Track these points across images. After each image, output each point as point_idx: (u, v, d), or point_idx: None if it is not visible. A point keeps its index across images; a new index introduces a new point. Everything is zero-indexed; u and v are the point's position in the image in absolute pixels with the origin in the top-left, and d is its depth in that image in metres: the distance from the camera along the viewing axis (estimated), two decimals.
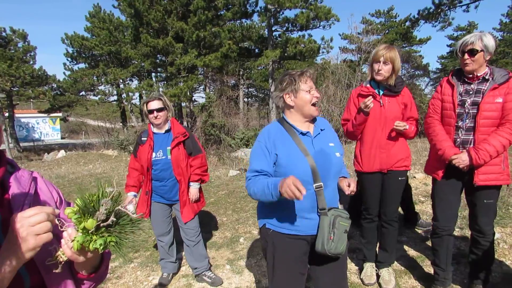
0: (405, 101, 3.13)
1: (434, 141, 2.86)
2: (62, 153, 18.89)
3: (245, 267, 4.00)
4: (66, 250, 0.99)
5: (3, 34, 22.77)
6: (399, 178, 3.19)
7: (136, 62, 21.04)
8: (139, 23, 17.12)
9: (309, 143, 2.16)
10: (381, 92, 3.12)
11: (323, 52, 19.37)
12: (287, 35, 17.96)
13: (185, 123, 21.77)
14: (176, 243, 3.91)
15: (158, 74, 22.45)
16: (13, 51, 22.93)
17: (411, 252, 3.93)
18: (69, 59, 24.34)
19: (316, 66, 25.89)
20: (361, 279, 3.46)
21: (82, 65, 24.62)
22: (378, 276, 3.39)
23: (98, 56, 23.81)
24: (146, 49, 16.58)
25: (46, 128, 35.43)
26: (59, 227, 1.00)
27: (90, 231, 0.95)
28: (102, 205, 0.96)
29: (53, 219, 0.94)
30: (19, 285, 1.01)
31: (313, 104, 2.14)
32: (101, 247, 0.96)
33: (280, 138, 2.14)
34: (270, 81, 18.39)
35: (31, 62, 23.79)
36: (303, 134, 2.17)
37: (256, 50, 19.40)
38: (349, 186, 2.10)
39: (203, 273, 3.72)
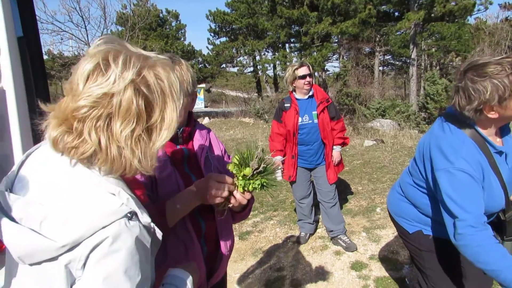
0: None
1: None
2: (206, 120, 20.95)
3: (382, 236, 3.97)
4: (232, 200, 1.30)
5: (160, 15, 25.98)
6: None
7: (271, 34, 21.67)
8: None
9: (503, 162, 1.67)
10: None
11: (478, 10, 16.71)
12: None
13: None
14: (314, 206, 4.10)
15: (292, 44, 22.74)
16: (168, 30, 26.08)
17: None
18: (212, 34, 26.49)
19: (468, 27, 22.62)
20: None
21: (223, 39, 26.57)
22: None
23: (237, 30, 25.28)
24: (281, 20, 16.90)
25: None
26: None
27: (248, 177, 1.24)
28: (255, 157, 1.23)
29: (231, 188, 1.27)
30: (198, 229, 1.43)
31: None
32: (259, 186, 1.24)
33: (482, 162, 1.60)
34: (412, 46, 16.85)
35: (182, 39, 26.73)
36: (500, 153, 1.66)
37: (396, 14, 17.87)
38: None
39: (339, 236, 3.84)
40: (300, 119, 3.59)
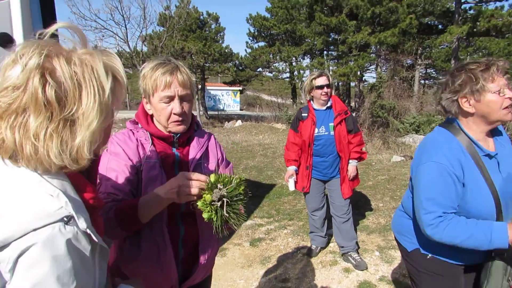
0: None
1: None
2: (239, 122, 21.11)
3: (396, 258, 3.82)
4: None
5: (201, 17, 26.49)
6: None
7: (309, 41, 21.55)
8: (314, 0, 17.35)
9: (494, 168, 1.64)
10: None
11: None
12: (482, 6, 15.27)
13: (352, 103, 21.36)
14: (327, 220, 4.01)
15: (330, 52, 22.50)
16: (207, 32, 26.52)
17: None
18: (251, 38, 26.65)
19: None
20: None
21: (261, 44, 26.70)
22: None
23: (275, 35, 25.33)
24: (320, 27, 16.76)
25: (229, 100, 40.01)
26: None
27: (206, 202, 1.21)
28: (215, 192, 1.20)
29: (203, 186, 1.23)
30: (176, 233, 1.45)
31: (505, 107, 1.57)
32: (205, 219, 1.22)
33: (464, 161, 1.61)
34: (453, 61, 16.19)
35: (220, 41, 27.08)
36: (490, 156, 1.64)
37: (439, 26, 17.21)
38: None
39: (349, 253, 3.72)
40: (316, 129, 3.53)
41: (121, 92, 0.89)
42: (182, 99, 1.40)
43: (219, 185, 1.21)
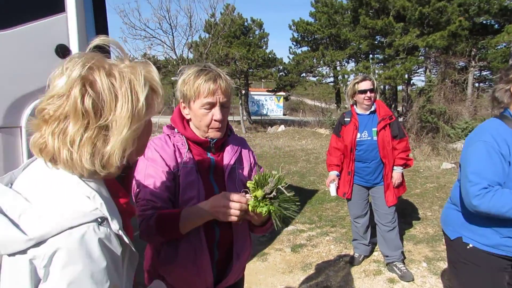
0: None
1: None
2: (282, 127, 21.09)
3: (444, 270, 3.63)
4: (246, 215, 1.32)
5: (245, 24, 26.84)
6: None
7: (353, 44, 21.13)
8: (358, 4, 17.00)
9: None
10: None
11: None
12: None
13: (399, 108, 20.65)
14: (371, 227, 3.90)
15: (375, 55, 21.91)
16: (251, 38, 26.80)
17: None
18: (294, 43, 26.58)
19: None
20: None
21: (304, 49, 26.55)
22: None
23: (319, 40, 25.08)
24: (365, 31, 16.37)
25: (272, 105, 40.04)
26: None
27: (258, 199, 1.25)
28: (269, 182, 1.25)
29: (245, 207, 1.27)
30: (212, 236, 1.47)
31: None
32: (264, 213, 1.25)
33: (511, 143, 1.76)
34: (511, 62, 15.17)
35: (264, 47, 27.25)
36: None
37: (496, 26, 16.16)
38: None
39: (394, 263, 3.59)
40: (358, 134, 3.46)
41: (157, 103, 0.93)
42: (222, 106, 1.42)
43: (269, 179, 1.26)
